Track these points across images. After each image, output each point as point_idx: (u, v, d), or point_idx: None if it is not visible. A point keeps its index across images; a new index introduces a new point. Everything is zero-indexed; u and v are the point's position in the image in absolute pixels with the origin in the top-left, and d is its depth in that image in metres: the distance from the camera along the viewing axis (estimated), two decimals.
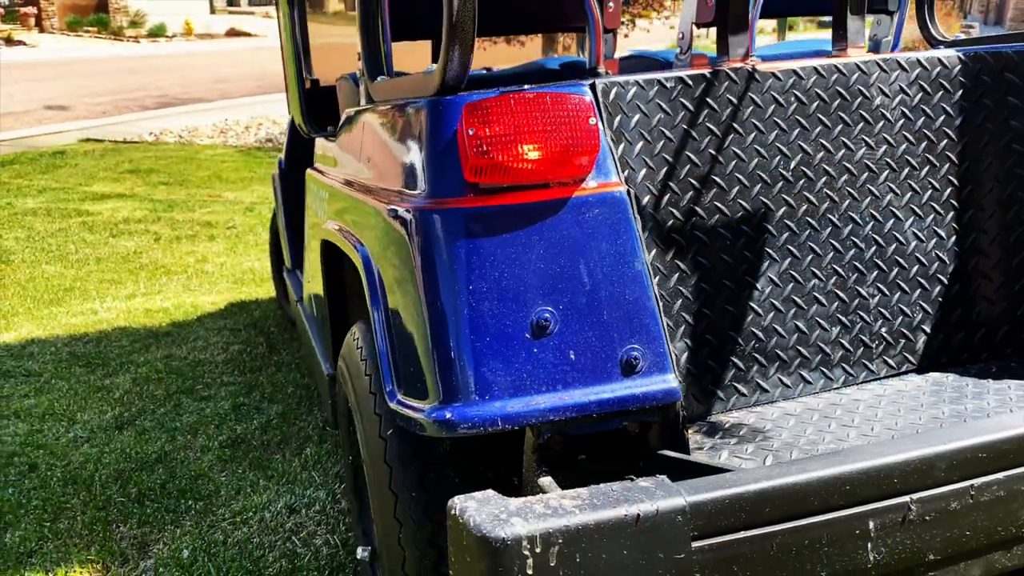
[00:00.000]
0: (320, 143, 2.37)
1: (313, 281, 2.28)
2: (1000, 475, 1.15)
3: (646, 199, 1.52)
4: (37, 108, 12.76)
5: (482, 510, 1.03)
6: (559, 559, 0.99)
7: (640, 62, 2.45)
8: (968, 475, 1.14)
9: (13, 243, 5.83)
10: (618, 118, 1.49)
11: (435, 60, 2.87)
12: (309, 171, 2.46)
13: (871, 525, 1.10)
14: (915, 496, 1.12)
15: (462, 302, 1.23)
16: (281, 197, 3.45)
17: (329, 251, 1.95)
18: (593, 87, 1.38)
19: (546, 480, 1.23)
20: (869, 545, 1.10)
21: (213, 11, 30.23)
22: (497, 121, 1.22)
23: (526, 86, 1.30)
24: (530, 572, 0.99)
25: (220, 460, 2.63)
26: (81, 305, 4.40)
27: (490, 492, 1.08)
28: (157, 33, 24.41)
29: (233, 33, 26.42)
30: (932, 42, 2.23)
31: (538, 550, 0.99)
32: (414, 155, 1.34)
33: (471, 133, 1.22)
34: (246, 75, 17.86)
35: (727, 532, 1.05)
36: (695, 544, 1.04)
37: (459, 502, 1.06)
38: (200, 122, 11.34)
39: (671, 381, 1.28)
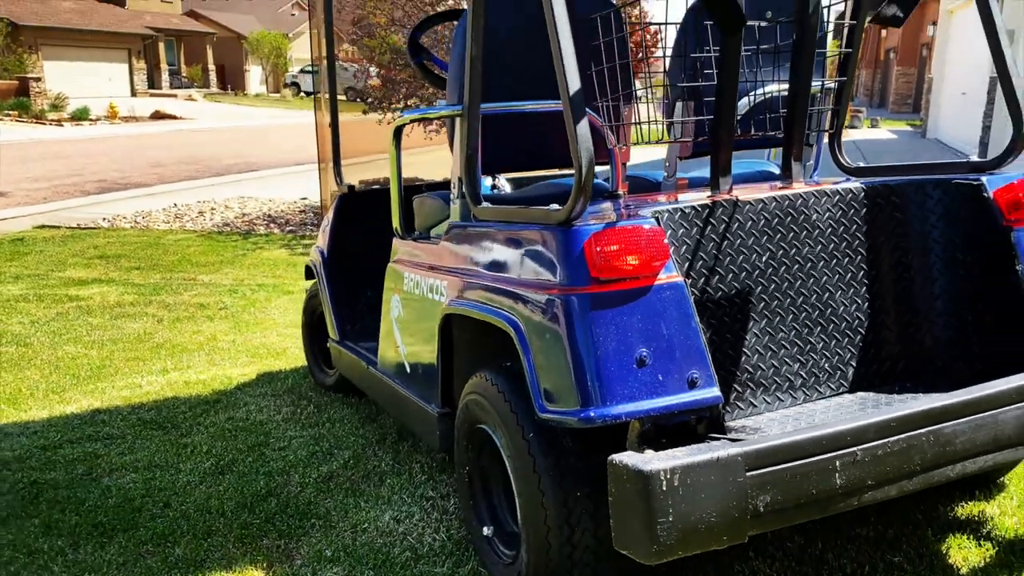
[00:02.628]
0: (406, 244, 3.18)
1: (415, 346, 3.07)
2: (903, 435, 2.05)
3: None
4: None
5: (633, 457, 1.87)
6: (679, 481, 1.83)
7: (636, 182, 3.39)
8: (885, 436, 2.04)
9: (20, 328, 6.23)
10: None
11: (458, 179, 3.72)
12: (392, 265, 3.27)
13: (837, 464, 1.98)
14: (859, 447, 2.00)
15: (592, 347, 2.07)
16: (327, 282, 4.22)
17: (446, 323, 2.76)
18: (657, 218, 2.26)
19: (648, 453, 2.06)
20: (837, 475, 1.98)
21: (134, 93, 30.33)
22: (612, 242, 2.10)
23: (623, 221, 2.17)
24: (664, 488, 1.82)
25: (320, 492, 3.33)
26: (123, 380, 4.94)
27: (631, 451, 1.92)
28: (80, 116, 24.47)
29: (158, 116, 26.73)
30: (840, 167, 3.23)
31: (668, 476, 1.82)
32: (551, 260, 2.19)
33: (597, 250, 2.09)
34: (180, 159, 18.32)
35: (763, 467, 1.91)
36: (748, 473, 1.89)
37: (617, 456, 1.89)
38: (149, 207, 11.78)
39: (716, 391, 2.14)
